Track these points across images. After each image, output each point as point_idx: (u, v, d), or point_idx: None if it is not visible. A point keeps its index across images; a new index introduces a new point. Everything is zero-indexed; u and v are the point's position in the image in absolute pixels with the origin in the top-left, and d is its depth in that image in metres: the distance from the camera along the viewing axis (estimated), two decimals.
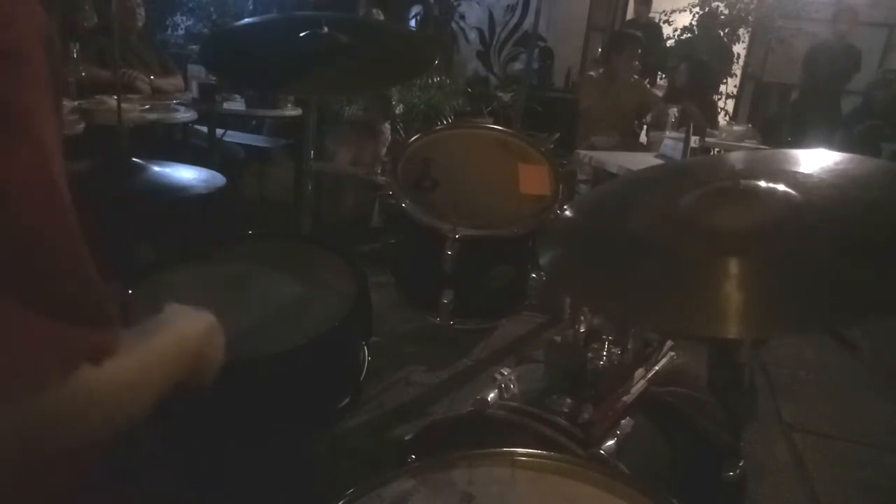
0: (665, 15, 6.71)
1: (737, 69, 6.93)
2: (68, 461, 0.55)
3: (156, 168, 2.08)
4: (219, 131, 3.61)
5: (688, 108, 4.32)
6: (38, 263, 0.45)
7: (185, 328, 0.69)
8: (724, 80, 6.50)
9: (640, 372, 1.17)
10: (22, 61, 0.46)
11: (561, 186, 1.69)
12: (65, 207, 0.48)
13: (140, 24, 3.52)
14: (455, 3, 7.76)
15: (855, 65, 5.55)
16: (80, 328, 0.47)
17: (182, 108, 3.10)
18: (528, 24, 7.49)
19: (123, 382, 0.52)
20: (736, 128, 4.73)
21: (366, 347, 1.30)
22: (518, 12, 7.75)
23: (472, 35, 7.93)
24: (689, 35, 6.57)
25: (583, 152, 3.66)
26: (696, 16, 6.57)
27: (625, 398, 1.09)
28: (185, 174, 2.11)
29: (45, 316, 0.45)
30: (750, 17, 6.62)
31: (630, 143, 4.65)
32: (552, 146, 4.81)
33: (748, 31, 6.82)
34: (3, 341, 0.42)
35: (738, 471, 1.06)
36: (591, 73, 4.99)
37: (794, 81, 6.39)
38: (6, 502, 0.49)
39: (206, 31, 3.98)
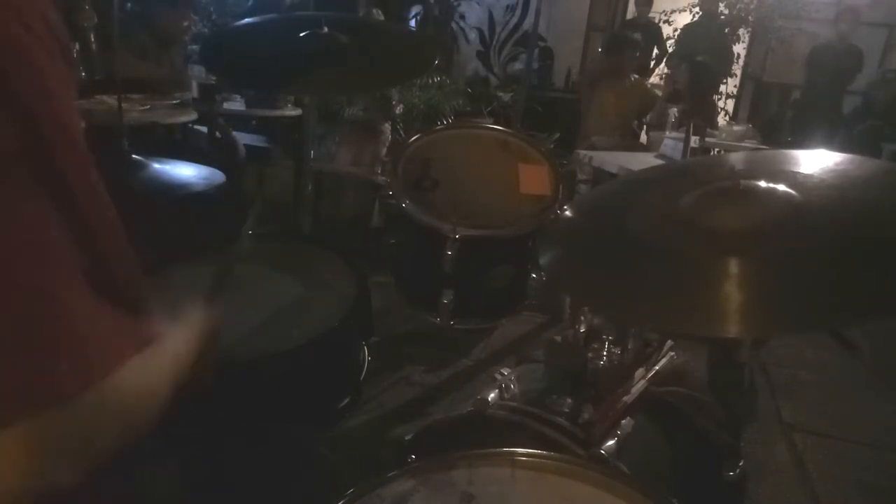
0: (665, 15, 6.71)
1: (737, 69, 6.92)
2: None
3: (156, 165, 2.08)
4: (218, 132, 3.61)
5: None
6: (98, 246, 0.46)
7: (182, 338, 0.70)
8: (724, 81, 6.50)
9: (640, 372, 1.17)
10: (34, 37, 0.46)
11: (561, 186, 1.69)
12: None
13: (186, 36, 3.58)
14: (455, 3, 7.76)
15: (857, 65, 5.56)
16: (135, 318, 0.49)
17: (182, 108, 3.10)
18: (528, 24, 7.49)
19: (137, 386, 0.53)
20: (736, 128, 4.72)
21: (366, 347, 1.30)
22: (518, 12, 7.75)
23: (472, 35, 7.93)
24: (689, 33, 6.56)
25: (583, 152, 3.66)
26: (696, 16, 6.57)
27: (625, 398, 1.09)
28: (185, 171, 2.11)
29: (111, 304, 0.46)
30: (750, 17, 6.62)
31: (630, 143, 4.65)
32: (552, 146, 4.81)
33: (748, 31, 6.82)
34: (80, 326, 0.43)
35: (738, 471, 1.06)
36: (592, 68, 4.99)
37: (794, 81, 6.39)
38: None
39: (205, 31, 3.98)
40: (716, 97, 5.81)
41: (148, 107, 2.89)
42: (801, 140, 5.29)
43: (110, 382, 0.46)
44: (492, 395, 1.07)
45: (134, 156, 2.07)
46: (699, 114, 4.23)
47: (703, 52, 5.34)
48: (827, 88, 5.63)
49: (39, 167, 0.44)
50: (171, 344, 0.63)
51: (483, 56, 7.93)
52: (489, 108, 6.28)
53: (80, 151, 0.49)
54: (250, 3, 5.15)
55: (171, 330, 0.65)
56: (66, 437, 0.45)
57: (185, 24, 3.59)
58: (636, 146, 4.65)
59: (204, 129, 3.54)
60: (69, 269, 0.44)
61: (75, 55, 3.02)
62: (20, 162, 0.43)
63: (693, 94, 4.52)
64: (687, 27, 6.41)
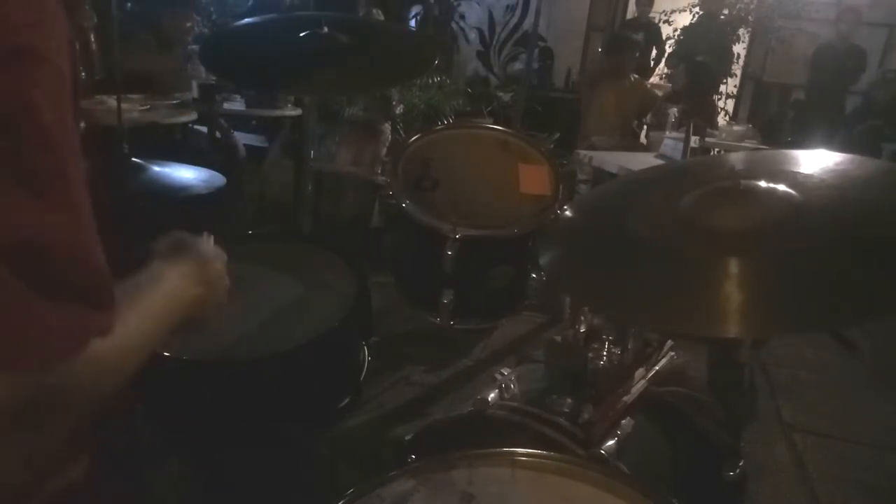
0: (665, 15, 6.71)
1: (737, 69, 6.93)
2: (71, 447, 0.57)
3: (156, 168, 2.08)
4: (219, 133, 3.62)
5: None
6: (50, 251, 0.47)
7: (175, 278, 0.73)
8: (724, 81, 6.51)
9: (640, 372, 1.17)
10: (44, 63, 0.47)
11: (561, 186, 1.68)
12: (77, 204, 0.50)
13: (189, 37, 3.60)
14: (455, 3, 7.76)
15: (861, 65, 5.56)
16: (89, 311, 0.50)
17: (182, 108, 3.11)
18: (528, 24, 7.49)
19: (126, 347, 0.56)
20: (736, 128, 4.73)
21: (366, 347, 1.30)
22: (518, 12, 7.76)
23: (472, 35, 7.93)
24: (687, 34, 6.56)
25: (583, 152, 3.66)
26: (696, 16, 6.58)
27: (625, 398, 1.09)
28: (185, 174, 2.11)
29: (59, 299, 0.47)
30: (750, 17, 6.62)
31: (630, 143, 4.65)
32: (552, 146, 4.81)
33: (748, 31, 6.82)
34: (19, 321, 0.44)
35: (738, 471, 1.06)
36: (591, 68, 4.99)
37: (794, 81, 6.40)
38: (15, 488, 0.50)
39: (205, 30, 3.98)
40: (715, 97, 5.81)
41: (148, 107, 2.89)
42: (802, 140, 5.29)
43: (70, 368, 0.48)
44: (492, 395, 1.07)
45: (134, 159, 2.07)
46: (699, 114, 4.24)
47: (703, 52, 5.35)
48: (830, 88, 5.63)
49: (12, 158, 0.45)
50: (154, 298, 0.66)
51: (483, 56, 7.94)
52: (489, 108, 6.28)
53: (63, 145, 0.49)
54: (250, 3, 5.16)
55: (156, 282, 0.67)
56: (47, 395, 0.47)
57: (188, 25, 3.60)
58: (636, 146, 4.65)
59: (204, 129, 3.55)
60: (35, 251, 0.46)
61: (75, 55, 3.02)
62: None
63: (692, 95, 4.53)
64: (687, 28, 6.42)
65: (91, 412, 0.54)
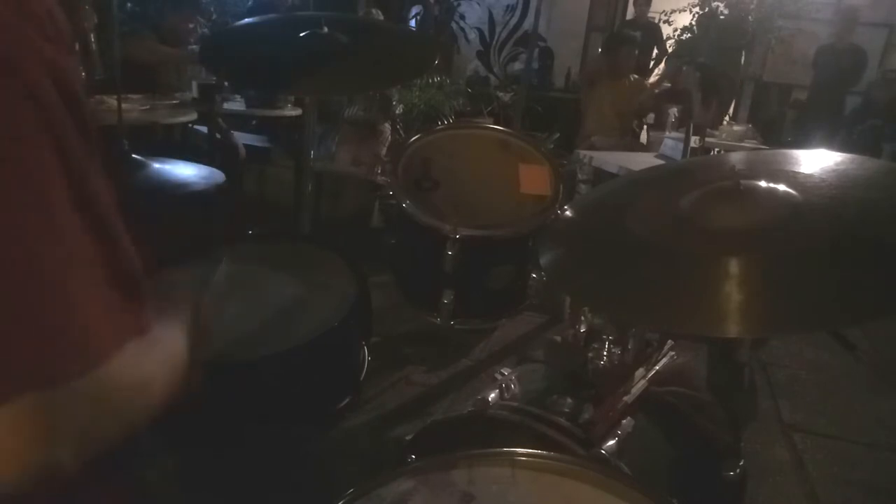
0: (665, 15, 6.71)
1: None
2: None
3: (155, 165, 2.08)
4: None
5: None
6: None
7: (179, 328, 0.70)
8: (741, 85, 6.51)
9: (640, 372, 1.17)
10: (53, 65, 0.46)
11: (561, 186, 1.69)
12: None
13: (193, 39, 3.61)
14: (455, 3, 7.76)
15: (862, 65, 5.56)
16: (135, 309, 0.49)
17: (182, 108, 3.11)
18: (528, 24, 7.49)
19: (161, 358, 0.55)
20: (736, 128, 4.73)
21: (366, 347, 1.30)
22: (518, 12, 7.76)
23: (472, 35, 7.93)
24: (688, 35, 6.56)
25: (583, 152, 3.66)
26: (696, 16, 6.58)
27: (625, 398, 1.09)
28: (185, 171, 2.11)
29: (108, 288, 0.46)
30: (750, 17, 6.62)
31: (630, 143, 4.65)
32: (552, 146, 4.82)
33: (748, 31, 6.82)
34: (75, 308, 0.43)
35: (738, 471, 1.06)
36: (591, 68, 4.99)
37: (794, 81, 6.39)
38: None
39: (205, 30, 3.99)
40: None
41: (148, 107, 2.89)
42: (803, 140, 5.29)
43: (110, 369, 0.46)
44: (492, 395, 1.07)
45: (134, 155, 2.07)
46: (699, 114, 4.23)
47: (708, 53, 5.35)
48: (831, 89, 5.63)
49: (48, 148, 0.44)
50: (167, 337, 0.64)
51: (483, 56, 7.94)
52: (489, 108, 6.29)
53: (85, 134, 0.49)
54: (250, 3, 5.16)
55: (165, 324, 0.66)
56: (66, 418, 0.45)
57: (191, 26, 3.61)
58: (636, 146, 4.65)
59: (204, 129, 3.55)
60: (73, 252, 0.45)
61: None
62: (28, 141, 0.43)
63: (704, 97, 4.51)
64: (685, 28, 6.42)
65: (128, 428, 0.51)
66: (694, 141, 3.28)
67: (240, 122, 3.95)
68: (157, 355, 0.55)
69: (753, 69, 7.19)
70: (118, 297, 0.48)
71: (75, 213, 0.46)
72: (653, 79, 6.33)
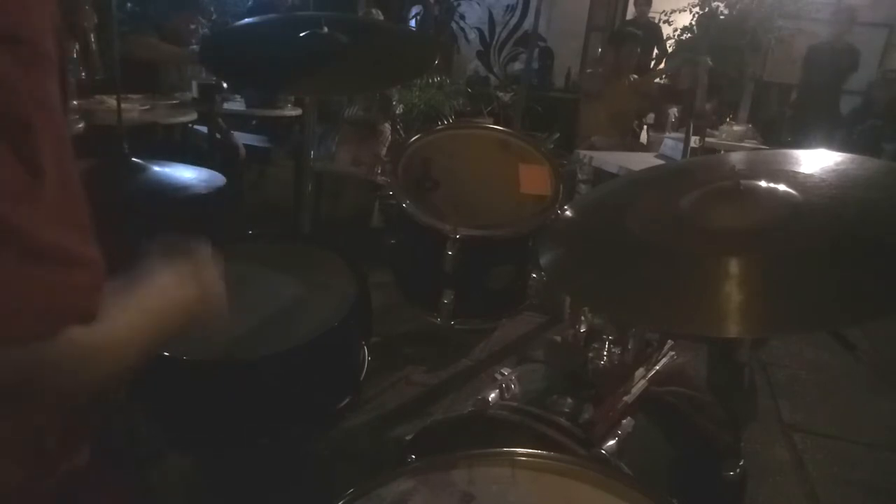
0: (665, 15, 6.71)
1: None
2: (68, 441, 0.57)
3: (155, 168, 2.08)
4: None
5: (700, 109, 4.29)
6: (34, 228, 0.47)
7: (169, 277, 0.71)
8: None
9: (640, 372, 1.17)
10: (33, 49, 0.47)
11: (561, 186, 1.68)
12: (64, 186, 0.50)
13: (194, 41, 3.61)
14: (455, 3, 7.76)
15: (853, 64, 5.55)
16: (74, 292, 0.50)
17: (182, 108, 3.11)
18: (528, 24, 7.49)
19: (112, 339, 0.55)
20: (736, 128, 4.73)
21: (366, 347, 1.30)
22: (518, 12, 7.76)
23: (472, 35, 7.93)
24: (688, 35, 6.56)
25: (583, 152, 3.66)
26: (696, 16, 6.57)
27: (625, 398, 1.09)
28: (185, 174, 2.11)
29: (41, 270, 0.47)
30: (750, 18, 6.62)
31: (630, 143, 4.65)
32: (552, 146, 4.82)
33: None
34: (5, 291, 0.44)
35: (738, 471, 1.06)
36: (589, 70, 4.99)
37: (794, 81, 6.38)
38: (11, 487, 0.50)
39: (205, 30, 3.99)
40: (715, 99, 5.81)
41: (148, 107, 2.89)
42: (800, 140, 5.28)
43: (66, 338, 0.48)
44: (492, 395, 1.07)
45: (133, 158, 2.07)
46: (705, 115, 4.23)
47: (709, 51, 5.33)
48: (823, 88, 5.63)
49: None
50: (146, 297, 0.65)
51: (483, 56, 7.94)
52: (489, 108, 6.29)
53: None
54: (250, 3, 5.16)
55: (148, 283, 0.66)
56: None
57: (192, 26, 3.61)
58: (636, 146, 4.65)
59: (204, 129, 3.55)
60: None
61: (75, 55, 3.02)
62: None
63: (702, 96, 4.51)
64: (685, 28, 6.41)
65: (71, 400, 0.54)
66: (694, 141, 3.28)
67: (240, 122, 3.95)
68: (103, 341, 0.56)
69: (753, 69, 7.19)
70: (67, 280, 0.49)
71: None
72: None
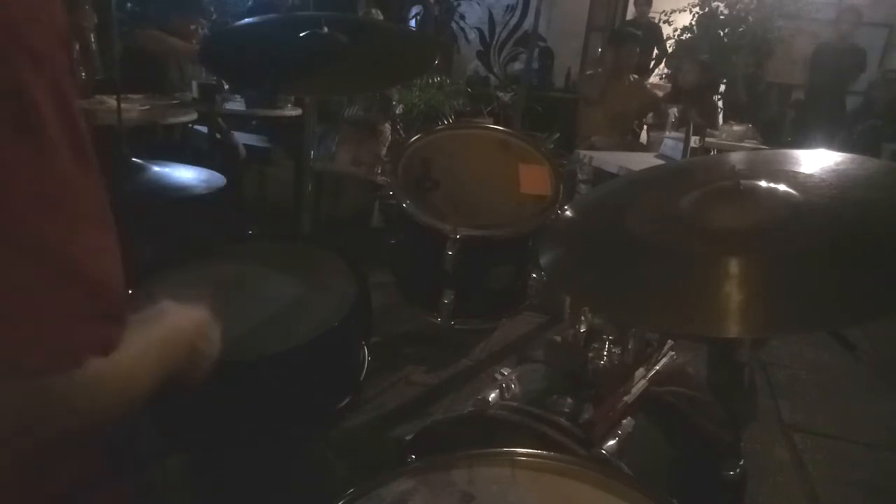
0: (665, 15, 6.71)
1: None
2: (69, 454, 0.56)
3: (156, 168, 2.08)
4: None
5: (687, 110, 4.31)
6: (53, 263, 0.46)
7: (179, 321, 0.71)
8: (725, 81, 6.51)
9: (640, 372, 1.17)
10: (43, 59, 0.47)
11: (561, 186, 1.68)
12: (80, 211, 0.49)
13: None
14: (455, 3, 7.76)
15: (861, 65, 5.56)
16: (95, 323, 0.50)
17: (182, 108, 3.11)
18: (528, 24, 7.49)
19: (125, 371, 0.55)
20: (736, 128, 4.73)
21: (366, 347, 1.30)
22: (518, 12, 7.76)
23: (472, 35, 7.93)
24: (688, 35, 6.56)
25: (583, 152, 3.66)
26: (696, 16, 6.57)
27: (625, 398, 1.09)
28: (185, 174, 2.11)
29: (65, 308, 0.47)
30: (750, 17, 6.61)
31: (630, 143, 4.65)
32: (552, 146, 4.81)
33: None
34: (28, 317, 0.44)
35: (738, 471, 1.06)
36: (589, 72, 4.98)
37: (794, 81, 6.39)
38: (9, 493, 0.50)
39: (205, 31, 3.99)
40: (716, 97, 5.82)
41: (148, 107, 2.89)
42: (803, 140, 5.28)
43: (89, 371, 0.48)
44: (492, 395, 1.07)
45: (134, 159, 2.07)
46: (701, 113, 4.23)
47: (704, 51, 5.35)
48: (830, 88, 5.63)
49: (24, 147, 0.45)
50: (158, 332, 0.65)
51: (483, 56, 7.94)
52: (489, 108, 6.29)
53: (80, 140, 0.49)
54: (250, 3, 5.16)
55: (160, 320, 0.66)
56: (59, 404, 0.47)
57: (193, 27, 3.62)
58: (636, 146, 4.65)
59: (204, 129, 3.55)
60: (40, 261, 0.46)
61: (75, 55, 3.02)
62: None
63: (696, 93, 4.52)
64: (685, 28, 6.42)
65: (84, 431, 0.53)
66: (694, 141, 3.28)
67: (240, 122, 3.95)
68: (132, 358, 0.55)
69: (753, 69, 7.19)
70: (91, 309, 0.49)
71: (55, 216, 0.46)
72: (653, 79, 6.33)
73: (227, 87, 3.44)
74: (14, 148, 0.44)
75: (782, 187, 0.93)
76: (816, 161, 1.00)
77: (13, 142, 0.44)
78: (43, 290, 0.45)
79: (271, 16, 2.77)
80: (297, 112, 3.65)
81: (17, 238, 0.44)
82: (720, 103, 6.10)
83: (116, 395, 0.54)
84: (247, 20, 2.07)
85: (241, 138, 3.83)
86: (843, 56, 5.52)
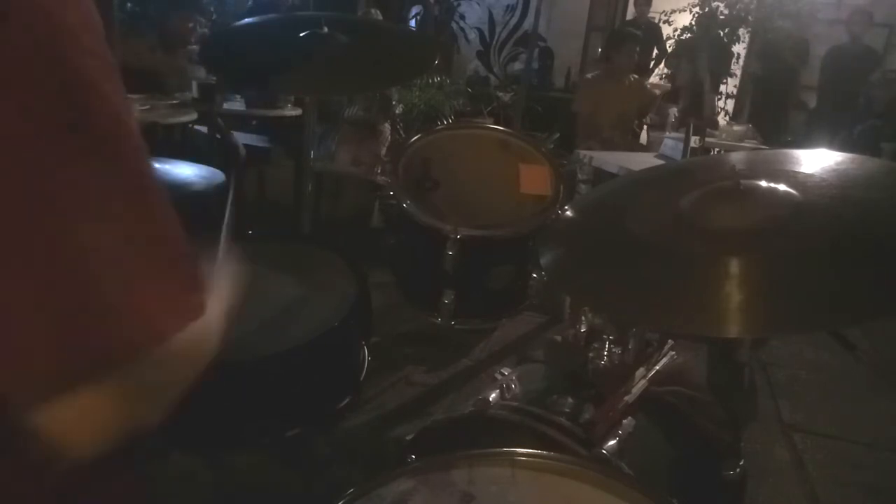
0: (665, 15, 6.71)
1: (736, 69, 6.92)
2: None
3: (155, 165, 2.08)
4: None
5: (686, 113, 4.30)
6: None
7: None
8: (724, 80, 6.51)
9: (640, 372, 1.17)
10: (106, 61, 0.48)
11: (561, 186, 1.68)
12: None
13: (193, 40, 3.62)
14: (455, 3, 7.76)
15: (872, 66, 5.54)
16: (191, 289, 0.51)
17: (182, 108, 3.11)
18: (528, 24, 7.49)
19: (207, 333, 0.56)
20: (736, 128, 4.73)
21: (366, 347, 1.30)
22: (518, 12, 7.76)
23: (472, 35, 7.94)
24: (688, 35, 6.56)
25: (583, 152, 3.66)
26: (696, 16, 6.57)
27: (626, 398, 1.09)
28: (185, 171, 2.11)
29: (170, 276, 0.49)
30: (750, 17, 6.61)
31: (630, 143, 4.64)
32: (552, 146, 4.81)
33: (748, 31, 6.82)
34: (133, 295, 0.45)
35: (738, 471, 1.06)
36: (589, 75, 4.98)
37: (803, 82, 6.37)
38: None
39: (205, 31, 4.00)
40: (716, 97, 5.82)
41: (148, 107, 2.89)
42: (815, 143, 5.25)
43: (172, 345, 0.48)
44: (492, 395, 1.07)
45: None
46: (697, 113, 4.23)
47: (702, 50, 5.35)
48: (843, 90, 5.61)
49: (90, 135, 0.46)
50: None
51: (483, 56, 7.94)
52: (489, 108, 6.29)
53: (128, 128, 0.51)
54: (250, 3, 5.17)
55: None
56: (138, 390, 0.49)
57: (191, 25, 3.62)
58: (636, 146, 4.65)
59: (204, 129, 3.55)
60: (124, 234, 0.47)
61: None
62: (69, 129, 0.44)
63: (693, 92, 4.52)
64: (685, 28, 6.42)
65: (169, 402, 0.54)
66: (694, 141, 3.28)
67: (240, 122, 3.96)
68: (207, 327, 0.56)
69: (753, 69, 7.18)
70: (177, 278, 0.50)
71: (133, 196, 0.49)
72: (653, 79, 6.33)
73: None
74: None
75: (782, 187, 0.93)
76: (816, 161, 0.99)
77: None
78: (162, 260, 0.47)
79: (271, 16, 2.77)
80: (297, 112, 3.65)
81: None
82: (720, 103, 6.11)
83: (204, 360, 0.55)
84: (247, 20, 2.07)
85: (241, 138, 3.83)
86: (858, 58, 5.52)
